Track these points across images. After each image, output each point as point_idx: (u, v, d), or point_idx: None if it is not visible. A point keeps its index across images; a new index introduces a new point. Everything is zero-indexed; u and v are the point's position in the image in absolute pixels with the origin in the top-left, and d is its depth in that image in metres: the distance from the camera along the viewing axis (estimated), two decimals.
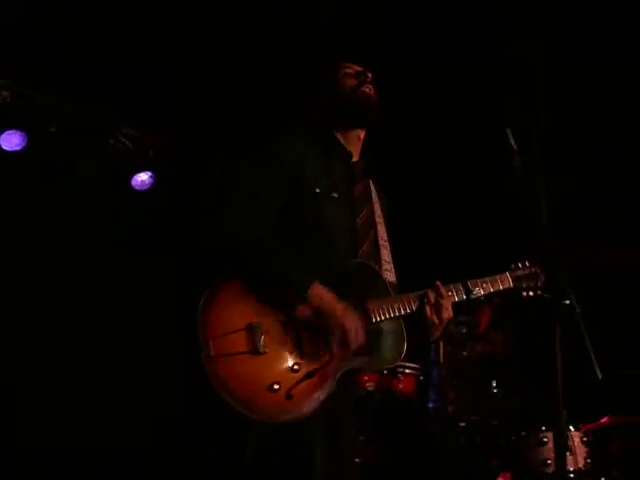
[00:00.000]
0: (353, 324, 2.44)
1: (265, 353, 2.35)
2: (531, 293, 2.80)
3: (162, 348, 5.42)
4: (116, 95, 5.22)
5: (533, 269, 2.82)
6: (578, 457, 4.45)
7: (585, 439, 4.53)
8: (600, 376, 2.28)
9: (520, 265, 2.82)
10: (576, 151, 5.14)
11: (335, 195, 2.68)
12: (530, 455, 4.42)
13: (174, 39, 4.95)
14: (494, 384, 4.96)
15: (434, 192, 5.07)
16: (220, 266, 2.48)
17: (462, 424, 4.73)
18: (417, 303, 2.59)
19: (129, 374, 5.37)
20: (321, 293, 2.43)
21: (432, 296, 2.59)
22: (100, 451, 5.17)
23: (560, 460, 2.45)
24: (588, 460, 4.47)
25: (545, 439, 4.41)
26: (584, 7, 4.29)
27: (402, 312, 2.57)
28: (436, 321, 2.60)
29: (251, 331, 2.37)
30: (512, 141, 2.59)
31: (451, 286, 2.66)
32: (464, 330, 5.37)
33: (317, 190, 2.63)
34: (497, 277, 2.77)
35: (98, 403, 5.22)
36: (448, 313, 2.61)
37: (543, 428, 4.45)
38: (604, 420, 5.01)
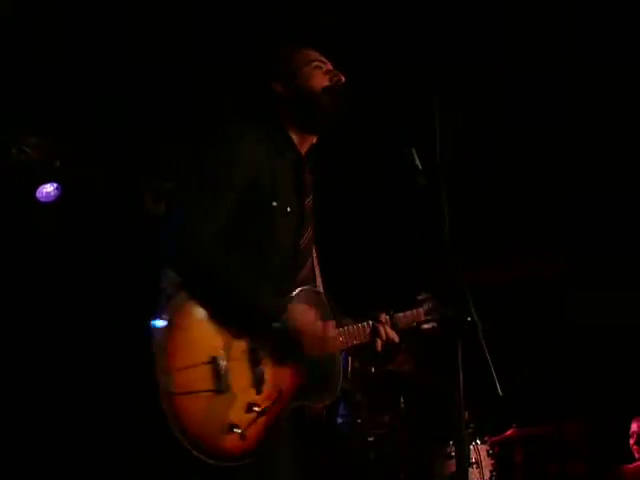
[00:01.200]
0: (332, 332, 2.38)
1: (228, 391, 2.14)
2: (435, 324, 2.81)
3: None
4: (19, 101, 5.05)
5: (432, 304, 2.81)
6: (484, 470, 4.52)
7: (491, 451, 4.60)
8: (501, 393, 2.30)
9: (424, 297, 2.81)
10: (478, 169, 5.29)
11: (289, 210, 2.43)
12: (437, 469, 4.46)
13: (83, 36, 4.82)
14: (402, 400, 4.99)
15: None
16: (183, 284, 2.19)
17: (370, 439, 4.74)
18: (370, 336, 2.59)
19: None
20: (298, 314, 2.29)
21: (383, 330, 2.59)
22: None
23: (462, 474, 2.46)
24: (494, 472, 4.54)
25: (453, 453, 4.45)
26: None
27: (355, 343, 2.56)
28: (381, 354, 2.60)
29: (216, 366, 2.13)
30: (417, 161, 2.60)
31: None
32: None
33: (274, 204, 2.37)
34: (420, 310, 2.78)
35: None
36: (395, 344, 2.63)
37: (451, 442, 4.50)
38: (509, 432, 5.14)
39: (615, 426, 5.44)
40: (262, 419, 2.21)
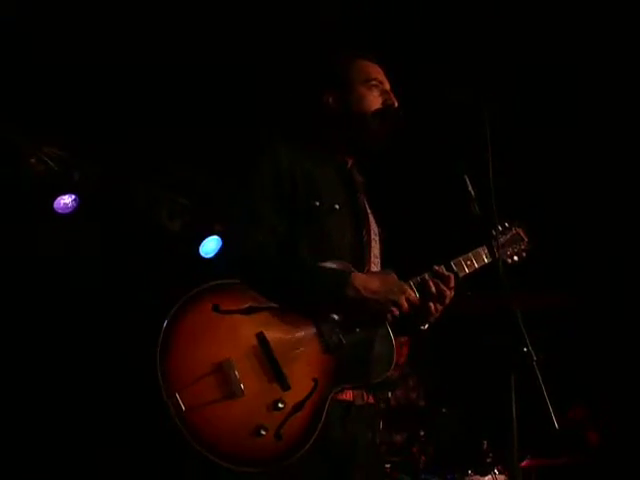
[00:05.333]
0: (395, 291, 2.26)
1: (243, 394, 2.10)
2: (516, 258, 2.65)
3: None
4: (39, 112, 5.04)
5: (514, 231, 2.66)
6: None
7: None
8: (557, 426, 2.26)
9: (500, 229, 2.60)
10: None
11: (337, 207, 2.40)
12: None
13: (106, 48, 4.83)
14: (413, 427, 4.94)
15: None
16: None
17: (387, 465, 4.68)
18: (417, 294, 2.36)
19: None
20: (359, 280, 2.23)
21: (432, 283, 2.36)
22: None
23: None
24: None
25: None
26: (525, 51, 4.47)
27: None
28: (438, 310, 2.39)
29: (222, 371, 2.10)
30: (470, 187, 2.58)
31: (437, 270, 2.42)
32: None
33: (317, 204, 2.35)
34: (479, 250, 2.54)
35: None
36: (450, 297, 2.40)
37: (470, 472, 4.46)
38: (524, 463, 5.09)
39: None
40: (299, 415, 2.13)
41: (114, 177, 5.71)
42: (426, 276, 2.42)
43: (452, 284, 2.43)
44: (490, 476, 4.51)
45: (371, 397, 2.46)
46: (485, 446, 4.57)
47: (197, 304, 2.20)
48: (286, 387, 2.14)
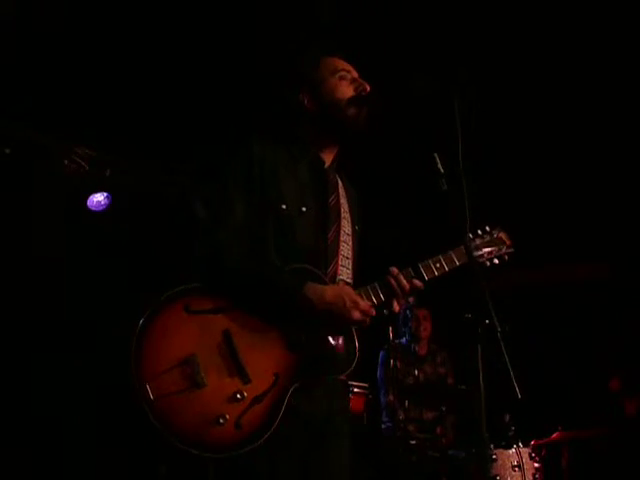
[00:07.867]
0: (346, 305, 2.34)
1: (205, 386, 2.24)
2: (496, 261, 2.65)
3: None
4: (71, 114, 5.23)
5: (495, 235, 2.68)
6: (527, 473, 4.49)
7: (533, 455, 4.57)
8: (520, 396, 2.29)
9: (479, 232, 2.65)
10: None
11: (304, 209, 2.48)
12: (478, 471, 4.45)
13: (130, 56, 4.99)
14: (442, 404, 4.99)
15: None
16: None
17: (413, 442, 4.75)
18: (382, 297, 2.44)
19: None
20: (313, 292, 2.32)
21: (395, 285, 2.44)
22: None
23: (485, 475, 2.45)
24: (537, 475, 4.51)
25: (494, 456, 4.44)
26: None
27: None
28: (401, 304, 2.50)
29: (187, 365, 2.26)
30: (439, 165, 2.62)
31: (402, 272, 2.47)
32: (416, 348, 5.43)
33: (283, 207, 2.44)
34: (451, 253, 2.54)
35: None
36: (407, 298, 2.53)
37: (492, 446, 4.49)
38: (555, 435, 5.08)
39: None
40: (258, 406, 2.26)
41: (145, 172, 5.88)
42: (390, 278, 2.47)
43: (416, 286, 2.50)
44: (514, 449, 4.54)
45: None
46: (507, 419, 4.59)
47: (171, 304, 2.35)
48: (247, 380, 2.28)
